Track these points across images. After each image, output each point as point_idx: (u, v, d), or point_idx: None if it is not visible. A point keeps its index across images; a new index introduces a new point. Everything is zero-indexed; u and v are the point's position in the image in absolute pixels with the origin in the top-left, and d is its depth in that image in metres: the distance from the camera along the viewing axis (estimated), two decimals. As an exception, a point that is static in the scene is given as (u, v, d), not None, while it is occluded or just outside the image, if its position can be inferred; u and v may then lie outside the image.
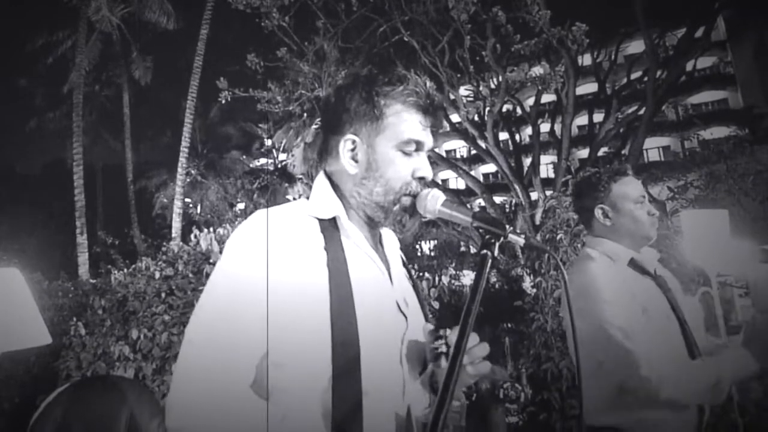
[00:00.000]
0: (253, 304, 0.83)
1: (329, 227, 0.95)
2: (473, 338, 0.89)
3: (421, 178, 0.98)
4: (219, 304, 0.85)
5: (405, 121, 0.97)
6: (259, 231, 0.88)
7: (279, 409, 0.82)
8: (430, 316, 1.09)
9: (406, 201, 0.96)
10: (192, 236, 4.27)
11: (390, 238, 1.07)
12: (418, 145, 0.98)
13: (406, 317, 0.97)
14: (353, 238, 0.96)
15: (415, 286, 1.08)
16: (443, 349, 0.87)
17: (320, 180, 1.02)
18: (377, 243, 1.04)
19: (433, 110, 0.99)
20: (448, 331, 0.88)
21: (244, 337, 0.82)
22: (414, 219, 0.98)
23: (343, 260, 0.91)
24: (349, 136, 0.98)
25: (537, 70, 9.78)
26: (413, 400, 0.93)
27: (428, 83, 0.99)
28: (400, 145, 0.96)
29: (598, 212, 1.73)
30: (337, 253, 0.91)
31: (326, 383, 0.82)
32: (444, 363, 0.85)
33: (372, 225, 1.01)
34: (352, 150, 0.98)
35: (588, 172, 1.89)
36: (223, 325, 0.83)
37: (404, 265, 1.11)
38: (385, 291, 0.97)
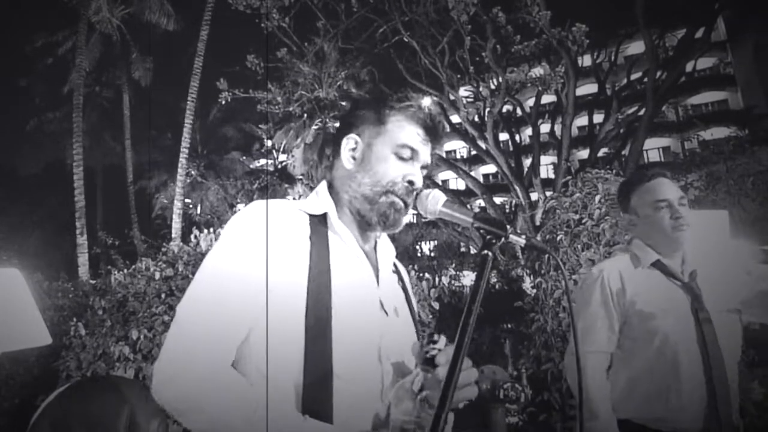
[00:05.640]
0: (240, 290, 0.88)
1: (318, 222, 1.00)
2: (465, 362, 0.89)
3: (411, 183, 1.02)
4: (209, 286, 0.89)
5: (404, 128, 1.04)
6: (254, 220, 0.93)
7: (257, 387, 0.86)
8: (422, 332, 1.09)
9: (392, 198, 1.01)
10: (192, 237, 4.27)
11: (385, 247, 1.11)
12: (413, 154, 1.04)
13: (387, 314, 1.00)
14: (340, 234, 1.00)
15: (408, 300, 1.12)
16: (434, 352, 0.86)
17: (321, 185, 1.09)
18: (372, 248, 1.08)
19: (433, 129, 1.06)
20: (443, 336, 0.89)
21: (228, 319, 0.86)
22: (399, 216, 1.02)
23: (325, 251, 0.95)
24: (352, 135, 1.06)
25: (537, 71, 9.80)
26: (391, 401, 0.93)
27: (433, 106, 1.08)
28: (396, 149, 1.03)
29: (624, 222, 1.82)
30: (321, 244, 0.96)
31: (300, 365, 0.86)
32: (441, 369, 0.84)
33: (363, 226, 1.04)
34: (353, 149, 1.06)
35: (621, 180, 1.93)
36: (210, 306, 0.87)
37: (400, 278, 1.15)
38: (368, 288, 1.00)
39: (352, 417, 0.87)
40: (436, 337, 0.89)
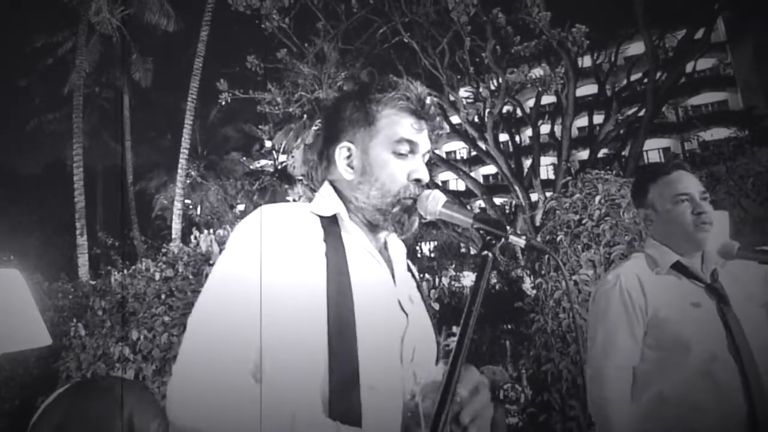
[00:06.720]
0: (255, 296, 0.83)
1: (329, 223, 0.96)
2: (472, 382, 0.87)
3: (418, 180, 0.98)
4: (221, 294, 0.86)
5: (397, 123, 0.99)
6: (263, 226, 0.89)
7: (279, 398, 0.81)
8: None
9: (407, 203, 0.97)
10: (192, 237, 4.27)
11: (396, 245, 1.08)
12: (412, 146, 0.99)
13: (407, 315, 0.97)
14: (353, 234, 0.97)
15: (423, 298, 1.08)
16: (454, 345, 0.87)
17: (324, 186, 1.04)
18: (382, 247, 1.04)
19: (426, 114, 1.01)
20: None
21: (245, 327, 0.82)
22: (413, 219, 0.99)
23: (342, 252, 0.91)
24: (345, 143, 1.01)
25: (537, 72, 9.81)
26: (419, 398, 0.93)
27: (420, 88, 1.01)
28: (393, 146, 0.98)
29: (640, 217, 1.67)
30: (336, 245, 0.92)
31: (324, 370, 0.82)
32: None
33: (372, 228, 1.01)
34: (348, 157, 1.01)
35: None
36: (224, 316, 0.83)
37: (412, 275, 1.10)
38: (386, 288, 0.97)
39: (379, 421, 0.85)
40: (455, 329, 0.88)
